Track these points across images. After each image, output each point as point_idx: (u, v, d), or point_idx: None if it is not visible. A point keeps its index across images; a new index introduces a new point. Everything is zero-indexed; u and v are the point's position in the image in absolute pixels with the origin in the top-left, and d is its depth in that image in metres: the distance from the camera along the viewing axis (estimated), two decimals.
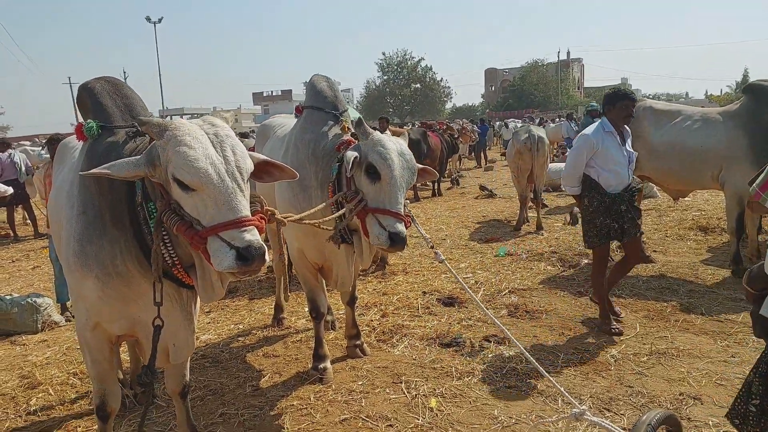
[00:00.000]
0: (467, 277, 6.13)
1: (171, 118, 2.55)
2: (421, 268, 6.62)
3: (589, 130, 4.34)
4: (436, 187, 13.71)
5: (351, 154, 2.98)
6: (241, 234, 1.93)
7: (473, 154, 21.75)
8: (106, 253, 2.25)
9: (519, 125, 21.13)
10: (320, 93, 3.68)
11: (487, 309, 5.01)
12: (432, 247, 3.28)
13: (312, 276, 3.79)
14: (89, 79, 2.59)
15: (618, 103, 4.25)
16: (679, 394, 3.29)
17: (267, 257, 1.98)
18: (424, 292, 5.59)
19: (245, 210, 2.00)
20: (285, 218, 2.57)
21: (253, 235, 1.95)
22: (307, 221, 2.85)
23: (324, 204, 3.17)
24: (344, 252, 3.41)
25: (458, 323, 4.71)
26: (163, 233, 2.13)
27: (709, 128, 5.40)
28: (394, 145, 3.06)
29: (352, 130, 3.58)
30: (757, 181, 2.00)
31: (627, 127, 4.40)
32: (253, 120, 58.98)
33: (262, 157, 2.37)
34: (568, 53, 66.82)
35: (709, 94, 61.21)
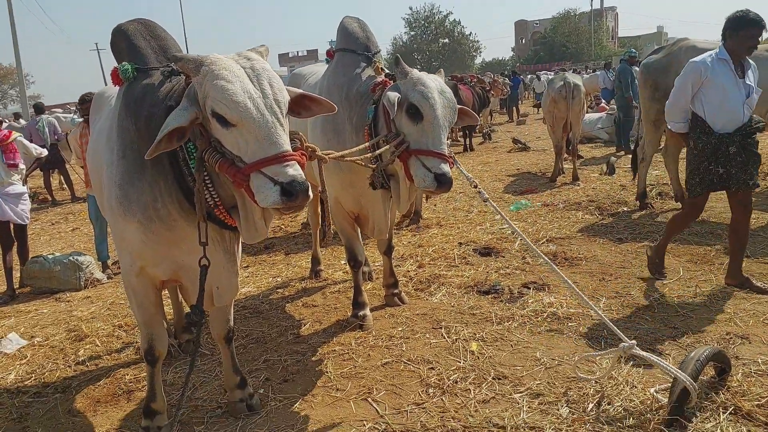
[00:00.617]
0: (503, 228, 6.07)
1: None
2: (455, 221, 6.58)
3: (699, 57, 3.80)
4: (467, 142, 13.52)
5: (393, 95, 2.89)
6: (284, 169, 1.92)
7: (505, 108, 21.37)
8: (147, 195, 2.26)
9: (551, 76, 20.67)
10: (352, 35, 3.60)
11: (525, 258, 4.98)
12: (476, 187, 3.18)
13: (349, 225, 3.79)
14: (122, 22, 2.58)
15: (741, 30, 3.64)
16: (726, 334, 3.22)
17: (311, 192, 1.96)
18: (460, 243, 5.57)
19: (286, 144, 1.99)
20: (327, 155, 2.55)
21: (296, 170, 1.94)
22: (349, 159, 2.83)
23: (364, 145, 3.10)
24: (381, 198, 3.39)
25: (496, 272, 4.68)
26: (204, 173, 2.13)
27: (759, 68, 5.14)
28: (435, 84, 2.97)
29: (387, 71, 3.51)
30: None
31: (749, 59, 3.80)
32: None
33: (299, 90, 2.34)
34: (602, 1, 64.17)
35: None
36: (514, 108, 20.78)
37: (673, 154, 6.17)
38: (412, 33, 69.53)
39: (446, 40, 68.48)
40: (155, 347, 2.62)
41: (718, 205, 6.03)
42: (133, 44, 2.45)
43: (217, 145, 2.05)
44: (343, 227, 3.81)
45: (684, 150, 4.50)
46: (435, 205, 7.55)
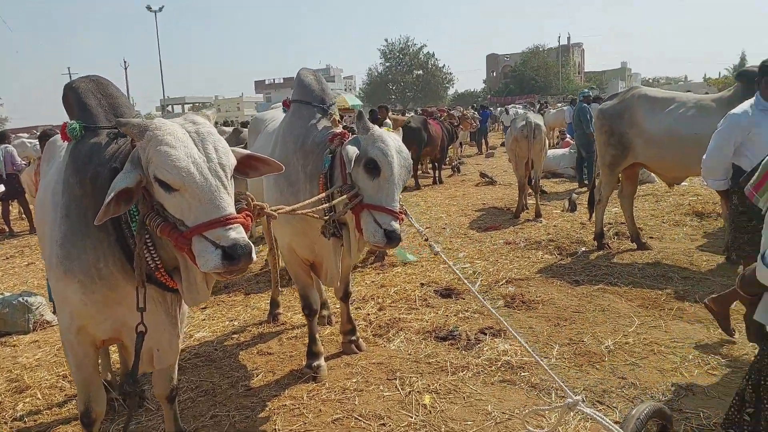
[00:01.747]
0: (465, 267, 6.13)
1: (172, 108, 2.52)
2: (420, 259, 6.61)
3: (739, 108, 3.69)
4: (437, 174, 13.68)
5: (353, 149, 2.94)
6: (226, 232, 1.91)
7: (474, 140, 21.73)
8: (90, 255, 2.23)
9: (519, 111, 21.12)
10: (307, 87, 3.66)
11: (484, 300, 5.01)
12: (426, 240, 3.28)
13: (303, 272, 3.79)
14: (75, 79, 2.59)
15: None
16: (672, 385, 3.28)
17: (254, 255, 1.97)
18: (422, 284, 5.59)
19: (230, 207, 1.99)
20: (276, 210, 2.56)
21: (238, 233, 1.94)
22: (299, 212, 2.84)
23: (318, 197, 3.14)
24: (333, 246, 3.41)
25: (455, 315, 4.70)
26: (146, 236, 2.12)
27: (704, 116, 5.34)
28: (394, 142, 3.06)
29: (344, 123, 3.57)
30: (752, 181, 1.94)
31: None
32: (255, 108, 58.93)
33: (245, 151, 2.36)
34: (569, 38, 66.41)
35: (707, 77, 60.80)
36: (484, 141, 21.13)
37: (628, 196, 6.34)
38: (387, 64, 70.63)
39: (420, 72, 69.62)
40: (92, 409, 2.54)
41: (670, 246, 6.19)
42: (83, 102, 2.44)
43: (159, 209, 2.05)
44: (297, 274, 3.81)
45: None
46: (394, 249, 7.58)
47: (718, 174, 3.79)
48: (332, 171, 3.25)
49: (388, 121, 12.73)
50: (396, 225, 2.92)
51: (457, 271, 3.15)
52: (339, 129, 3.46)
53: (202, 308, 5.39)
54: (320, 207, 3.11)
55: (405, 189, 12.33)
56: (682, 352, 3.71)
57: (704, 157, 3.85)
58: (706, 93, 16.83)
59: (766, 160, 1.95)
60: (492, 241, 7.24)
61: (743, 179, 2.07)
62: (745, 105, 3.72)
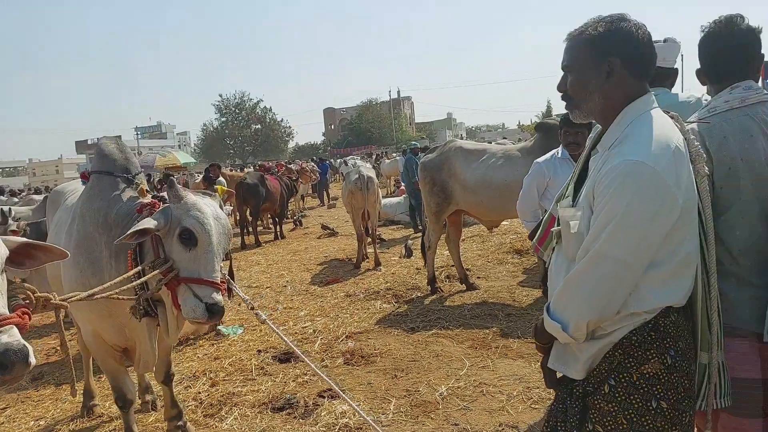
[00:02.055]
0: (306, 326, 6.00)
1: None
2: (257, 323, 6.35)
3: (543, 157, 4.09)
4: (278, 230, 13.49)
5: (155, 220, 2.74)
6: None
7: (316, 192, 21.94)
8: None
9: (358, 161, 21.79)
10: (108, 156, 3.37)
11: (324, 360, 4.93)
12: (252, 309, 3.15)
13: (114, 360, 3.40)
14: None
15: (560, 130, 3.99)
16: (499, 425, 3.41)
17: (32, 359, 1.71)
18: (260, 351, 5.34)
19: (2, 308, 1.76)
20: (68, 299, 2.27)
21: (11, 336, 1.69)
22: (100, 296, 2.55)
23: (124, 276, 2.84)
24: (146, 328, 3.11)
25: (294, 381, 4.53)
26: None
27: (511, 164, 5.87)
28: (210, 209, 2.88)
29: (152, 193, 3.33)
30: (536, 236, 2.03)
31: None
32: (77, 170, 54.28)
33: (20, 239, 2.08)
34: (399, 92, 70.78)
35: (521, 124, 68.22)
36: (325, 192, 21.41)
37: (454, 240, 6.71)
38: (223, 119, 69.62)
39: (258, 126, 69.53)
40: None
41: (495, 284, 6.63)
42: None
43: None
44: (106, 362, 3.40)
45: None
46: (239, 305, 7.27)
47: (528, 216, 4.17)
48: (142, 245, 2.99)
49: (221, 179, 12.42)
50: (218, 297, 2.74)
51: (286, 339, 3.07)
52: (148, 199, 3.22)
53: (2, 408, 4.65)
54: (129, 286, 2.83)
55: (245, 247, 12.08)
56: (508, 390, 3.90)
57: (518, 201, 4.21)
58: (519, 139, 18.75)
59: (547, 215, 2.06)
60: (333, 295, 7.22)
61: (531, 233, 2.22)
62: (550, 153, 4.14)
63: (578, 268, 1.58)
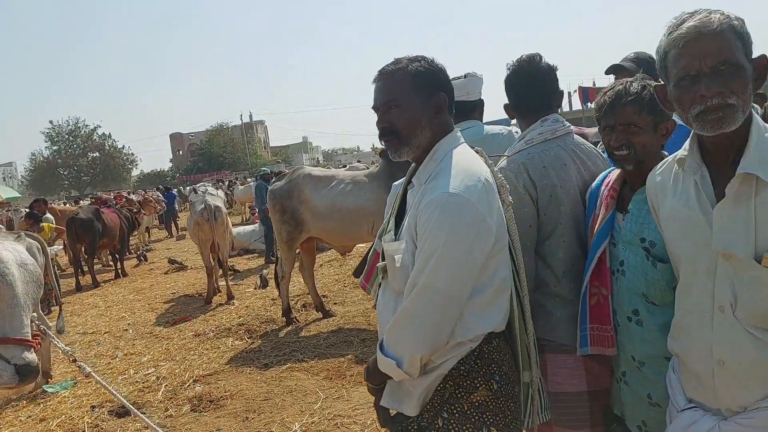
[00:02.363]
0: (149, 373, 5.51)
1: None
2: (93, 372, 5.71)
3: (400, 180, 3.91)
4: (119, 267, 12.42)
5: None
6: None
7: (164, 223, 20.64)
8: None
9: (209, 188, 20.85)
10: None
11: (169, 408, 4.54)
12: (74, 361, 2.81)
13: None
14: None
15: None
16: None
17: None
18: (94, 407, 4.78)
19: None
20: None
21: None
22: None
23: None
24: None
25: None
26: None
27: (359, 190, 5.92)
28: (13, 255, 2.54)
29: None
30: (363, 273, 2.02)
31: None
32: None
33: None
34: (251, 116, 69.48)
35: (375, 147, 70.40)
36: (173, 223, 20.23)
37: (308, 268, 6.60)
38: (55, 148, 63.66)
39: (96, 154, 64.55)
40: None
41: (351, 310, 6.60)
42: None
43: None
44: None
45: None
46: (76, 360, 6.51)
47: None
48: None
49: (48, 215, 11.20)
50: (31, 356, 2.43)
51: (114, 392, 2.75)
52: None
53: None
54: None
55: (81, 288, 10.96)
56: (362, 419, 3.84)
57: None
58: (373, 161, 19.20)
59: (371, 251, 2.05)
60: (181, 336, 6.74)
61: (356, 270, 2.19)
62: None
63: (407, 303, 1.57)
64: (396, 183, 4.25)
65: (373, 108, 1.76)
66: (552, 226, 2.01)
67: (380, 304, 1.80)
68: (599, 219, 1.93)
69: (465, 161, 1.66)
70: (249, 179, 28.51)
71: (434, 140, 1.72)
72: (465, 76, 3.01)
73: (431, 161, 1.70)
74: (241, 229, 13.67)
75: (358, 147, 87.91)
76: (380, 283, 1.80)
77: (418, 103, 1.69)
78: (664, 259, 1.73)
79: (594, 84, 21.42)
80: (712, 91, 1.33)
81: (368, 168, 11.66)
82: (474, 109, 3.06)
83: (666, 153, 1.86)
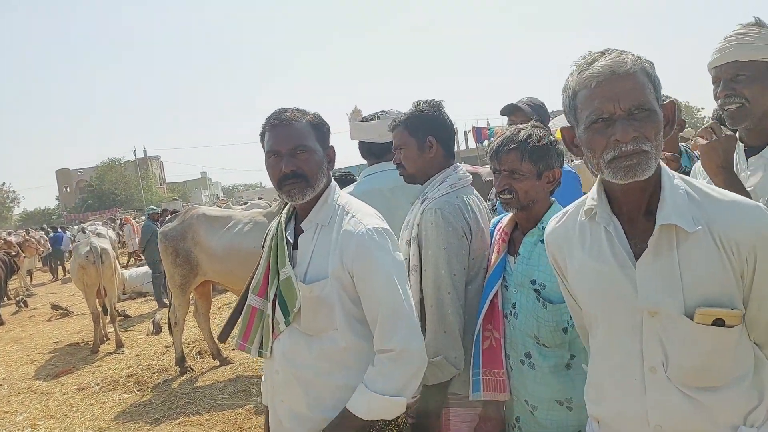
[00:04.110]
0: None
1: None
2: None
3: None
4: None
5: None
6: None
7: (48, 265, 19.12)
8: None
9: (99, 227, 19.62)
10: None
11: None
12: None
13: None
14: None
15: None
16: None
17: None
18: None
19: None
20: None
21: None
22: None
23: None
24: None
25: None
26: None
27: (258, 230, 5.78)
28: None
29: None
30: (239, 334, 1.97)
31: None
32: None
33: None
34: (145, 151, 66.52)
35: None
36: (60, 265, 18.80)
37: (204, 313, 6.32)
38: None
39: None
40: None
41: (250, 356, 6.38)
42: None
43: None
44: None
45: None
46: None
47: None
48: None
49: None
50: None
51: None
52: None
53: None
54: None
55: None
56: None
57: None
58: (275, 198, 18.90)
59: (244, 307, 2.00)
60: (62, 390, 6.21)
61: (221, 335, 2.20)
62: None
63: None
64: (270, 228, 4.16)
65: (271, 152, 1.79)
66: (475, 271, 2.03)
67: (289, 351, 1.81)
68: (491, 262, 1.98)
69: (357, 202, 1.87)
70: (143, 217, 27.19)
71: (325, 187, 1.84)
72: (378, 117, 2.86)
73: (325, 205, 1.83)
74: (133, 271, 12.96)
75: (260, 183, 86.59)
76: (276, 333, 1.83)
77: (321, 151, 1.82)
78: (554, 300, 1.78)
79: (488, 124, 22.59)
80: (627, 136, 1.24)
81: (270, 205, 11.52)
82: (388, 150, 2.75)
83: (553, 199, 1.95)
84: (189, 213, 6.14)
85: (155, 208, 12.26)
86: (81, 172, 68.46)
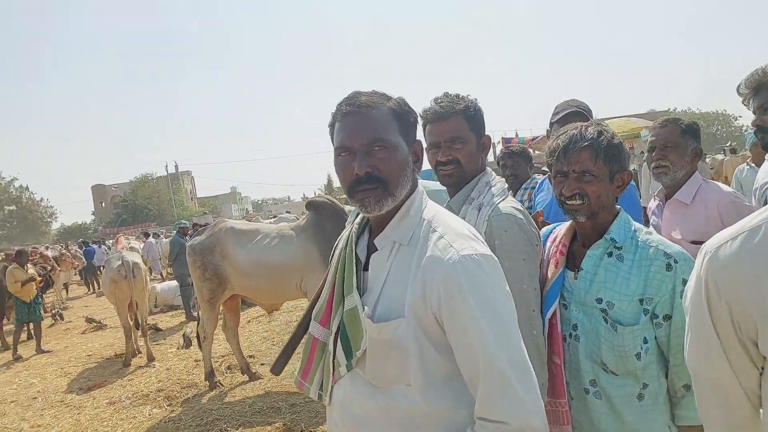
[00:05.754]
0: None
1: None
2: None
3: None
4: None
5: None
6: None
7: (83, 278, 19.54)
8: None
9: (132, 242, 19.96)
10: None
11: None
12: None
13: None
14: None
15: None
16: None
17: None
18: None
19: None
20: None
21: None
22: None
23: None
24: None
25: None
26: None
27: (285, 243, 5.75)
28: None
29: None
30: (299, 371, 1.63)
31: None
32: None
33: None
34: (176, 167, 67.75)
35: (305, 197, 70.30)
36: (94, 278, 19.16)
37: (232, 328, 6.29)
38: None
39: (13, 207, 61.34)
40: None
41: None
42: None
43: None
44: None
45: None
46: None
47: None
48: None
49: None
50: None
51: None
52: None
53: None
54: None
55: None
56: None
57: None
58: (303, 212, 19.07)
59: (305, 338, 1.65)
60: (94, 404, 6.23)
61: (275, 366, 1.88)
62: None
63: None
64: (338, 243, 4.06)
65: (341, 148, 1.41)
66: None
67: (349, 402, 1.44)
68: (548, 278, 1.77)
69: (449, 217, 1.45)
70: (174, 232, 27.63)
71: (409, 194, 1.45)
72: None
73: (407, 218, 1.43)
74: (165, 284, 13.10)
75: (288, 197, 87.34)
76: (335, 377, 1.48)
77: (405, 147, 1.43)
78: (624, 321, 1.59)
79: (516, 134, 22.36)
80: None
81: (298, 219, 11.53)
82: None
83: (619, 207, 1.76)
84: (217, 227, 6.13)
85: (185, 222, 12.40)
86: (115, 188, 70.08)
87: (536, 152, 11.00)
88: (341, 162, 1.42)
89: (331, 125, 1.45)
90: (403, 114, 1.44)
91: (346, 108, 1.40)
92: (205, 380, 6.14)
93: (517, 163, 4.57)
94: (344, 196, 1.81)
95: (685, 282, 1.58)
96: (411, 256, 1.36)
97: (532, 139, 14.86)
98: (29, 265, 10.25)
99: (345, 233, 1.59)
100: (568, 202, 1.70)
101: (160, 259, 17.56)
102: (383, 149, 1.38)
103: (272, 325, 8.71)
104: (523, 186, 4.42)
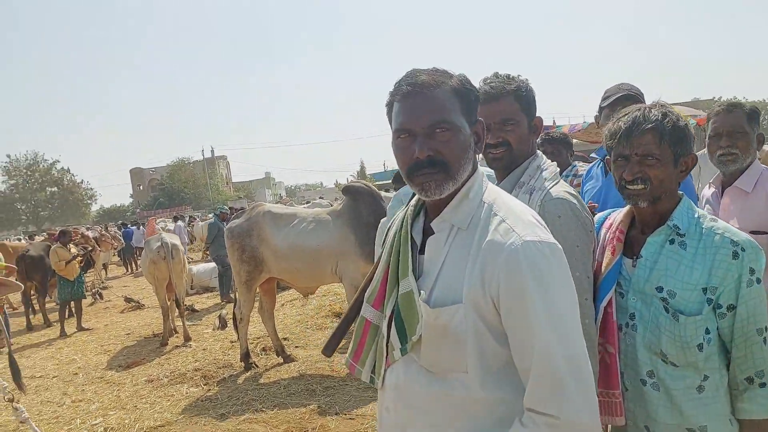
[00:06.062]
0: (96, 424, 5.15)
1: None
2: (41, 420, 5.31)
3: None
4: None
5: None
6: None
7: (122, 259, 20.07)
8: None
9: (168, 224, 20.38)
10: None
11: None
12: (11, 401, 2.57)
13: None
14: None
15: None
16: None
17: None
18: None
19: None
20: None
21: None
22: None
23: None
24: None
25: None
26: None
27: (322, 228, 5.75)
28: None
29: None
30: (350, 350, 1.61)
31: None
32: None
33: None
34: (212, 151, 68.78)
35: (338, 183, 70.68)
36: (132, 259, 19.64)
37: (268, 310, 6.34)
38: (13, 182, 62.19)
39: (55, 189, 63.24)
40: None
41: (314, 354, 6.36)
42: None
43: None
44: None
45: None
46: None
47: None
48: None
49: None
50: None
51: None
52: None
53: None
54: None
55: (31, 329, 10.41)
56: None
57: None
58: (336, 198, 19.07)
59: (354, 321, 1.65)
60: (133, 381, 6.38)
61: (326, 347, 1.84)
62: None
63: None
64: (384, 221, 4.06)
65: (400, 130, 1.36)
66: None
67: (403, 387, 1.40)
68: (603, 265, 1.72)
69: (511, 201, 1.39)
70: (210, 215, 28.08)
71: (469, 176, 1.39)
72: None
73: (466, 201, 1.37)
74: (201, 266, 13.31)
75: (321, 183, 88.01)
76: (389, 361, 1.44)
77: (467, 128, 1.37)
78: (686, 311, 1.54)
79: (554, 122, 21.88)
80: None
81: (331, 205, 11.55)
82: None
83: (681, 192, 1.70)
84: (255, 210, 6.17)
85: (225, 208, 12.59)
86: (153, 171, 71.55)
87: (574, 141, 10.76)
88: (400, 144, 1.36)
89: (389, 104, 1.39)
90: (465, 93, 1.36)
91: (406, 88, 1.33)
92: (241, 361, 6.22)
93: (557, 149, 4.44)
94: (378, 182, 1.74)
95: (752, 271, 1.53)
96: (470, 241, 1.32)
97: (570, 128, 14.51)
98: (71, 245, 10.52)
99: (399, 215, 1.54)
100: (628, 186, 1.64)
101: (193, 242, 17.86)
102: (446, 131, 1.32)
103: (306, 308, 8.77)
104: (564, 173, 4.31)
